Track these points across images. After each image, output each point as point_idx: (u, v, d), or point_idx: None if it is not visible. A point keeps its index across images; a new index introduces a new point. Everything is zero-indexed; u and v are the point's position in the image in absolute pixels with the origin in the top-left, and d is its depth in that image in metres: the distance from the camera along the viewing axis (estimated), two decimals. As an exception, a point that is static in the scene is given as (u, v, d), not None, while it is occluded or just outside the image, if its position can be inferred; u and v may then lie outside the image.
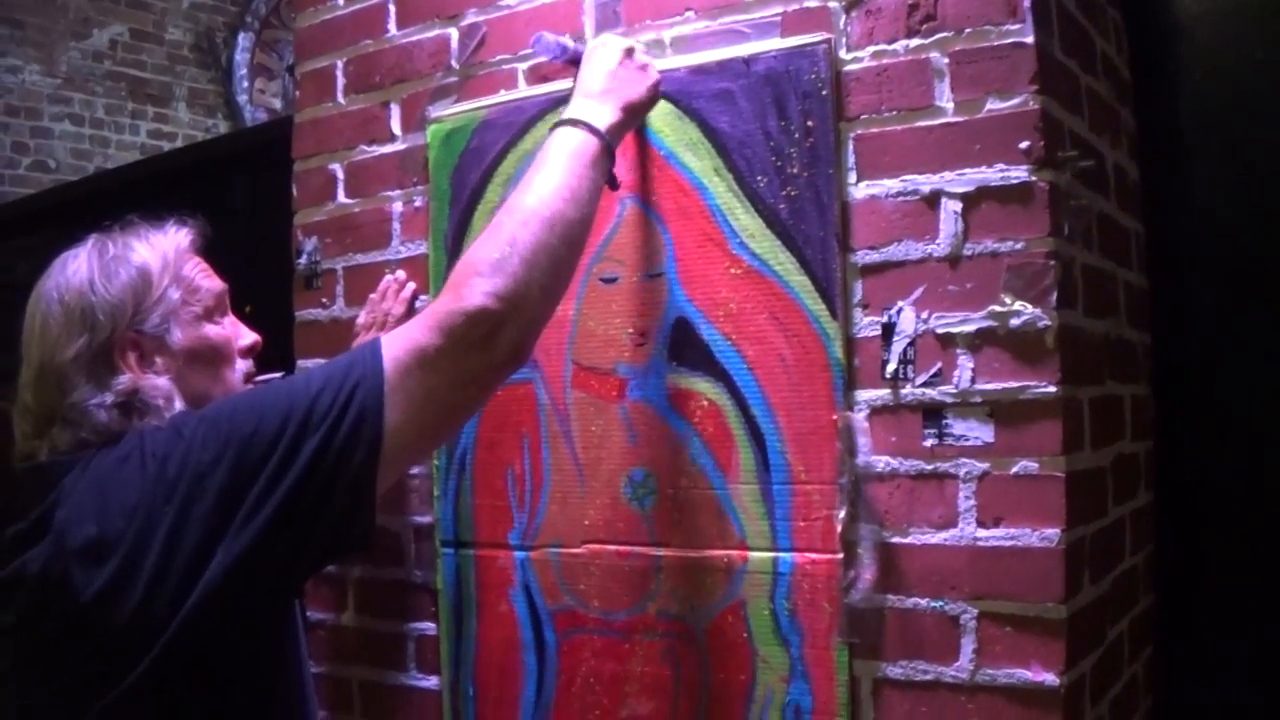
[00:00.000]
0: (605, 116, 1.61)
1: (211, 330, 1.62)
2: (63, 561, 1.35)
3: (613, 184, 1.67)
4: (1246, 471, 2.04)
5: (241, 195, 3.41)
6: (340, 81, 2.27)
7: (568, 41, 1.81)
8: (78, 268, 1.55)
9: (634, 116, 1.70)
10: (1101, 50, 1.89)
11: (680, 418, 1.78)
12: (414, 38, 2.15)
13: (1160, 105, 2.11)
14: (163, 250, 1.60)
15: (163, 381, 1.53)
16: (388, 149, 2.18)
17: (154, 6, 6.76)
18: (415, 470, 2.08)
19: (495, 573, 1.96)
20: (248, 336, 1.70)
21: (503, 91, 2.02)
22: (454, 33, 2.10)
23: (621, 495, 1.83)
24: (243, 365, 1.68)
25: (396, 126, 2.17)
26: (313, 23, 2.32)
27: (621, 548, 1.82)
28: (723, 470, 1.73)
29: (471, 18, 2.08)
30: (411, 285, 2.10)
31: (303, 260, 2.29)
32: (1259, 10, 2.07)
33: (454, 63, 2.09)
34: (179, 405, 1.53)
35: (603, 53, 1.70)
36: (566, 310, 1.89)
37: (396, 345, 1.40)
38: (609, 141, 1.60)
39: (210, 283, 1.65)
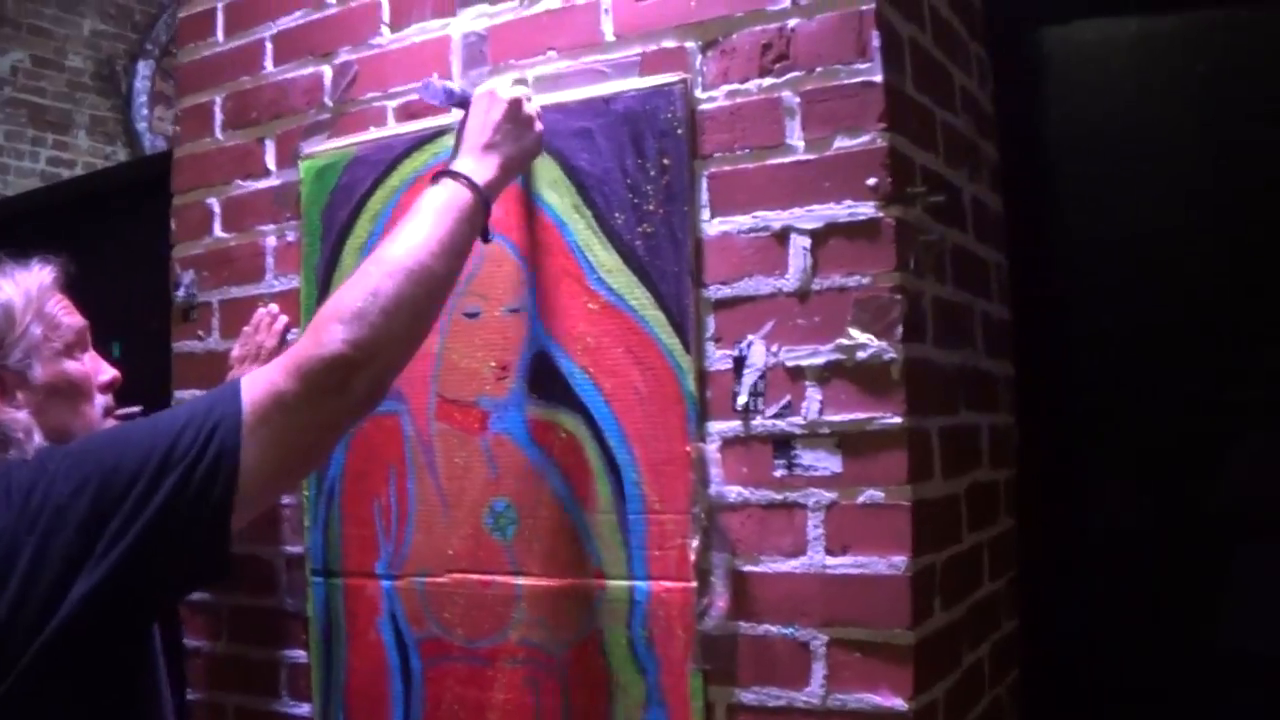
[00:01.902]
0: (485, 172, 1.64)
1: (71, 366, 1.64)
2: None
3: (485, 237, 1.67)
4: (1109, 497, 2.10)
5: (140, 224, 3.39)
6: (218, 117, 2.27)
7: (454, 86, 1.81)
8: None
9: (513, 173, 1.72)
10: (961, 85, 1.94)
11: (539, 449, 1.80)
12: (289, 75, 2.17)
13: (1024, 138, 2.17)
14: (26, 287, 1.61)
15: (22, 415, 1.55)
16: (263, 184, 2.19)
17: (55, 34, 6.69)
18: (287, 500, 2.08)
19: (363, 601, 1.97)
20: (107, 373, 1.72)
21: (372, 129, 2.04)
22: (327, 70, 2.11)
23: (483, 525, 1.84)
24: (101, 400, 1.69)
25: (271, 162, 2.18)
26: (193, 58, 2.33)
27: (484, 577, 1.84)
28: (580, 501, 1.75)
29: (344, 56, 2.09)
30: (284, 319, 2.10)
31: (180, 292, 2.29)
32: (1124, 42, 2.14)
33: (327, 100, 2.11)
34: (38, 439, 1.54)
35: (489, 103, 1.71)
36: (431, 344, 1.90)
37: (256, 388, 1.42)
38: (486, 197, 1.62)
39: (71, 319, 1.66)
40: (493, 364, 1.85)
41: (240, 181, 2.22)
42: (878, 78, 1.59)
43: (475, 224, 1.60)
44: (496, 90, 1.73)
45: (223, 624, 2.19)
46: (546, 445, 1.79)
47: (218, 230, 2.25)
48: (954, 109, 1.89)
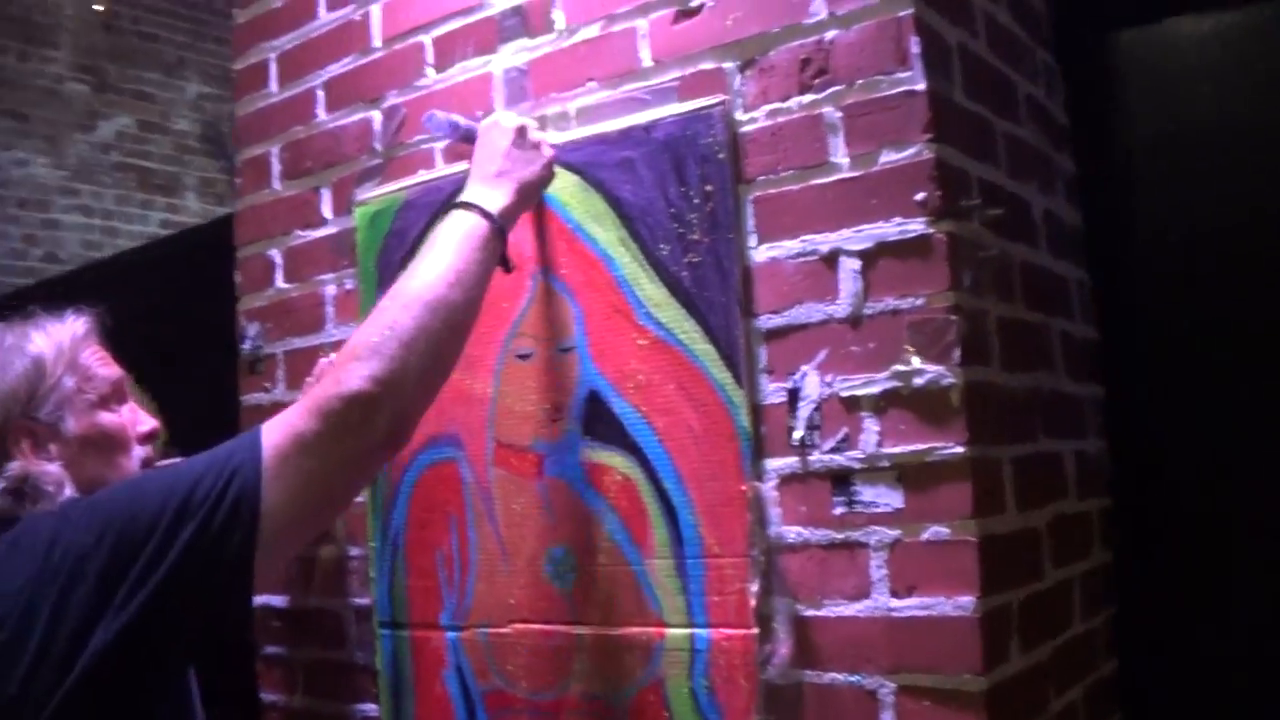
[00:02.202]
0: (498, 200, 1.61)
1: (106, 418, 1.62)
2: None
3: (505, 266, 1.63)
4: (1215, 526, 1.95)
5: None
6: (276, 168, 2.26)
7: (459, 120, 1.78)
8: None
9: (528, 197, 1.69)
10: (1026, 94, 1.84)
11: (595, 493, 1.73)
12: (341, 122, 2.14)
13: (1102, 147, 2.05)
14: (58, 340, 1.61)
15: (54, 468, 1.54)
16: (320, 233, 2.16)
17: (159, 98, 6.85)
18: (355, 552, 2.05)
19: (429, 654, 1.92)
20: (146, 423, 1.70)
21: (421, 172, 2.00)
22: (376, 115, 2.09)
23: (543, 574, 1.78)
24: (140, 452, 1.67)
25: (328, 210, 2.15)
26: (249, 111, 2.33)
27: (545, 626, 1.77)
28: (638, 545, 1.68)
29: (392, 99, 2.06)
30: (344, 370, 2.07)
31: (246, 345, 2.28)
32: (1203, 39, 2.01)
33: (377, 145, 2.08)
34: (69, 491, 1.53)
35: (495, 133, 1.69)
36: (486, 388, 1.86)
37: (276, 431, 1.40)
38: (501, 224, 1.59)
39: (106, 370, 1.66)
40: (546, 406, 1.79)
41: (299, 231, 2.20)
42: (920, 86, 1.50)
43: (492, 252, 1.57)
44: (500, 120, 1.71)
45: (297, 677, 2.16)
46: (602, 489, 1.72)
47: (280, 281, 2.23)
48: (1017, 118, 1.79)
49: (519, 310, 1.83)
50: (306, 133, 2.20)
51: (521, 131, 1.69)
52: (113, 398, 1.65)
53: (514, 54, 1.90)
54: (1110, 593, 1.90)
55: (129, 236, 6.43)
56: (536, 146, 1.71)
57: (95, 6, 6.11)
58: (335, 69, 2.16)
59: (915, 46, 1.51)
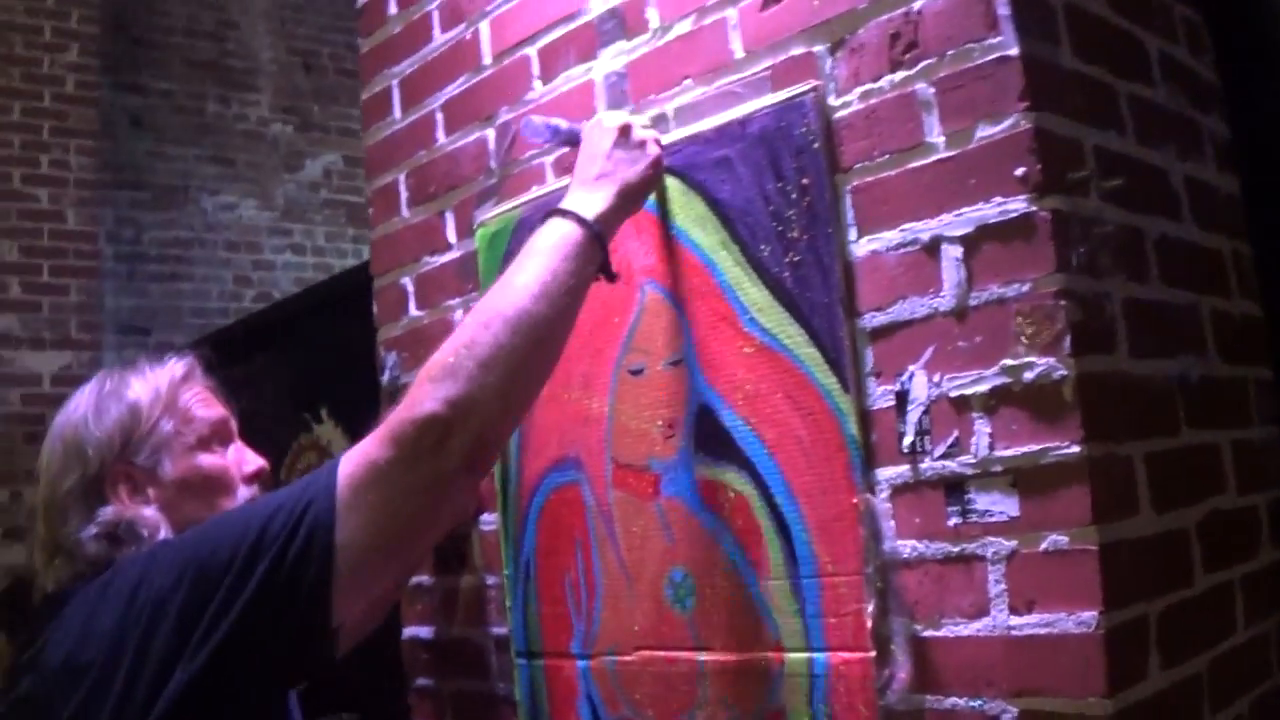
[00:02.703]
0: (595, 205, 1.53)
1: (205, 460, 1.65)
2: (46, 684, 1.41)
3: (608, 275, 1.56)
4: None
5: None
6: (404, 195, 2.26)
7: (559, 122, 1.72)
8: (77, 405, 1.64)
9: (631, 201, 1.60)
10: (1161, 52, 1.67)
11: (710, 512, 1.64)
12: (459, 143, 2.12)
13: (1259, 109, 1.85)
14: (155, 384, 1.65)
15: (150, 512, 1.57)
16: (446, 257, 2.14)
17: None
18: (491, 580, 2.01)
19: (562, 683, 1.86)
20: (252, 464, 1.72)
21: (534, 188, 1.96)
22: (490, 134, 2.05)
23: (664, 598, 1.70)
24: (246, 492, 1.68)
25: (452, 235, 2.13)
26: (376, 139, 2.33)
27: (669, 653, 1.69)
28: (754, 566, 1.58)
29: (503, 116, 2.03)
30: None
31: (386, 376, 2.27)
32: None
33: (493, 164, 2.05)
34: (165, 533, 1.56)
35: (597, 134, 1.62)
36: (603, 406, 1.80)
37: (351, 460, 1.39)
38: (598, 231, 1.51)
39: (207, 412, 1.68)
40: (660, 423, 1.72)
41: (427, 258, 2.18)
42: (1013, 50, 1.37)
43: (589, 260, 1.50)
44: (603, 120, 1.63)
45: (445, 709, 2.13)
46: (717, 507, 1.64)
47: (413, 309, 2.22)
48: (1148, 80, 1.62)
49: (629, 323, 1.76)
50: (429, 157, 2.19)
51: (625, 130, 1.61)
52: (214, 439, 1.67)
53: (613, 58, 1.83)
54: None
55: (343, 271, 6.63)
56: (642, 145, 1.62)
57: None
58: (451, 90, 2.14)
59: (1004, 7, 1.38)
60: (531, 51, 1.98)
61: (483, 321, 1.41)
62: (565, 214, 1.51)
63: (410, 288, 2.23)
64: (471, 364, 1.37)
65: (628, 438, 1.76)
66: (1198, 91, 1.75)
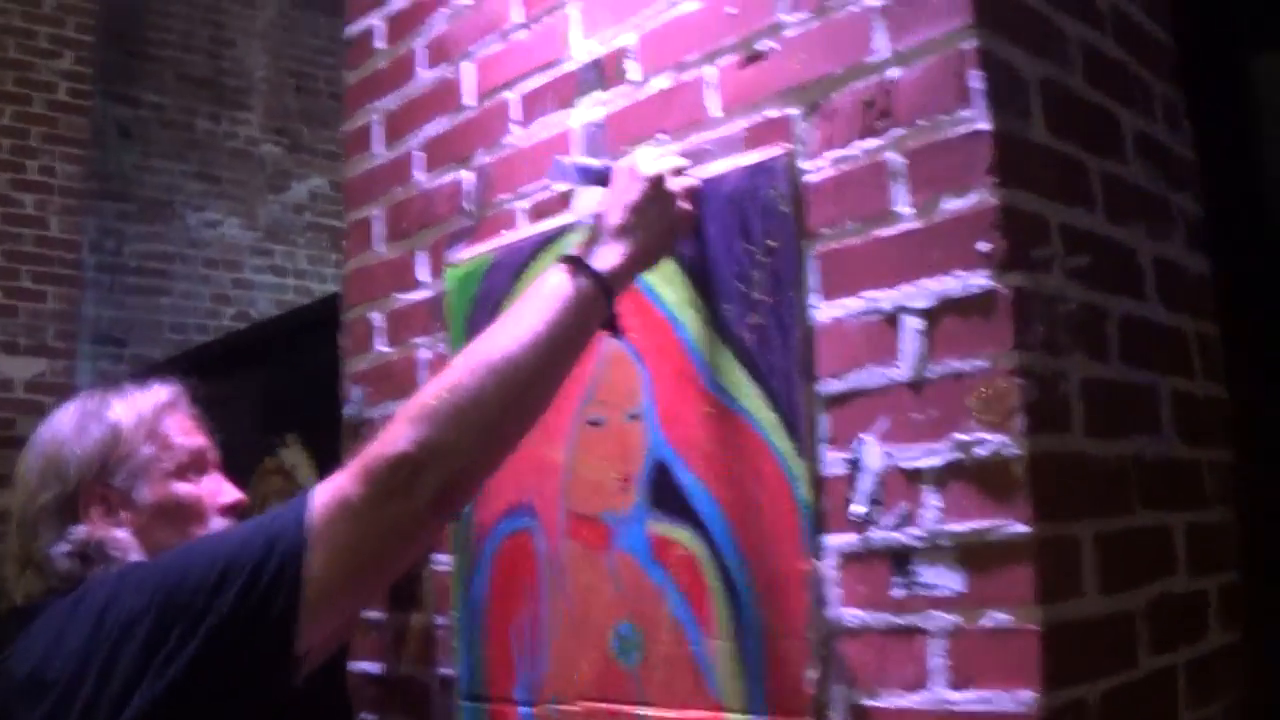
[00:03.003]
0: (610, 258, 1.49)
1: (181, 488, 1.65)
2: (8, 696, 1.43)
3: (614, 331, 1.54)
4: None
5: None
6: (378, 230, 2.25)
7: (589, 162, 1.67)
8: (60, 421, 1.64)
9: (650, 257, 1.55)
10: (1135, 129, 1.68)
11: (660, 568, 1.64)
12: (436, 183, 2.12)
13: (1237, 187, 1.86)
14: (139, 408, 1.66)
15: (122, 534, 1.58)
16: (417, 296, 2.14)
17: (351, 158, 7.05)
18: (440, 620, 2.00)
19: (506, 731, 1.84)
20: (229, 495, 1.73)
21: (503, 232, 1.96)
22: (466, 175, 2.05)
23: (611, 650, 1.69)
24: (220, 523, 1.68)
25: (424, 273, 2.13)
26: (356, 172, 2.33)
27: (612, 705, 1.68)
28: (701, 625, 1.58)
29: (480, 159, 2.03)
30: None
31: (350, 409, 2.26)
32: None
33: (467, 205, 2.05)
34: (136, 556, 1.57)
35: (627, 180, 1.55)
36: (559, 455, 1.79)
37: (324, 493, 1.39)
38: (608, 285, 1.47)
39: (187, 440, 1.69)
40: (615, 475, 1.71)
41: (398, 295, 2.18)
42: (983, 125, 1.38)
43: (590, 315, 1.47)
44: (638, 164, 1.56)
45: (389, 751, 2.11)
46: (667, 564, 1.63)
47: (379, 345, 2.22)
48: (1122, 156, 1.63)
49: (591, 375, 1.76)
50: (406, 194, 2.19)
51: (656, 181, 1.54)
52: (192, 467, 1.68)
53: (591, 107, 1.84)
54: (1233, 677, 1.69)
55: (324, 295, 6.62)
56: (672, 201, 1.55)
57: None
58: (431, 129, 2.14)
59: (977, 81, 1.39)
60: (512, 96, 1.98)
61: (470, 366, 1.40)
62: (574, 262, 1.47)
63: (379, 323, 2.22)
64: (450, 408, 1.36)
65: (583, 488, 1.76)
66: (1172, 169, 1.76)
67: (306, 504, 1.39)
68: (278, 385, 3.57)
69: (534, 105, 1.94)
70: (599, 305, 1.47)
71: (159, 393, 1.69)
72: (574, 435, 1.78)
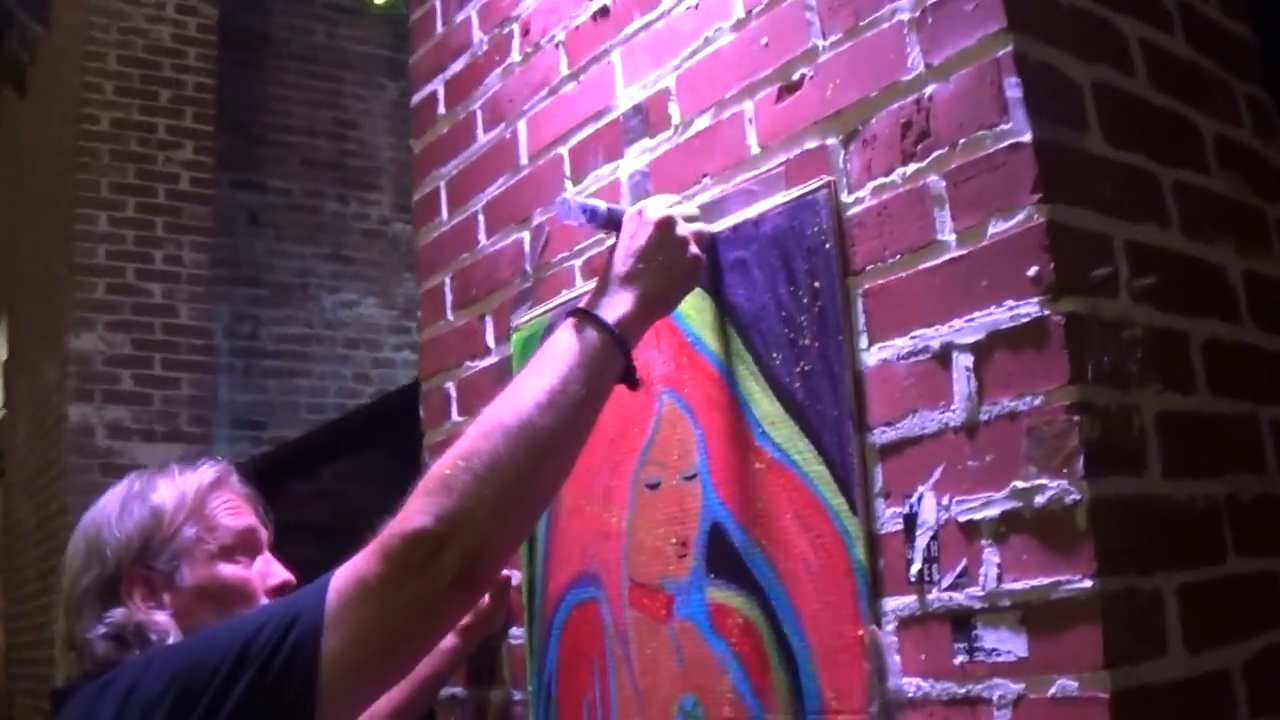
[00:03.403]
0: (619, 308, 1.40)
1: (226, 570, 1.59)
2: None
3: (630, 383, 1.44)
4: None
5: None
6: (449, 298, 2.21)
7: (597, 204, 1.57)
8: (106, 502, 1.60)
9: (660, 304, 1.47)
10: (1219, 135, 1.53)
11: (719, 638, 1.53)
12: (498, 245, 2.07)
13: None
14: (183, 490, 1.60)
15: (162, 617, 1.52)
16: (485, 362, 2.08)
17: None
18: (518, 696, 1.92)
19: (582, 811, 1.75)
20: (277, 576, 1.65)
21: (564, 291, 1.88)
22: (526, 236, 1.99)
23: (676, 727, 1.58)
24: None
25: (491, 339, 2.07)
26: (426, 241, 2.30)
27: (679, 788, 1.57)
28: (760, 697, 1.46)
29: (537, 218, 1.97)
30: (505, 503, 1.95)
31: (428, 484, 2.20)
32: None
33: (528, 267, 1.98)
34: (175, 640, 1.51)
35: (635, 225, 1.48)
36: (620, 521, 1.70)
37: (342, 574, 1.31)
38: (619, 336, 1.38)
39: (233, 521, 1.63)
40: (674, 540, 1.61)
41: (469, 362, 2.13)
42: (1025, 136, 1.25)
43: (605, 368, 1.37)
44: (646, 210, 1.48)
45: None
46: (726, 633, 1.52)
47: (455, 415, 2.16)
48: (1201, 166, 1.48)
49: (648, 435, 1.67)
50: (471, 260, 2.14)
51: (665, 226, 1.46)
52: (239, 548, 1.62)
53: (637, 156, 1.76)
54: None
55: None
56: (682, 245, 1.47)
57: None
58: (492, 191, 2.09)
59: (1014, 89, 1.27)
60: (564, 150, 1.92)
61: (484, 431, 1.31)
62: (586, 316, 1.39)
63: (453, 392, 2.17)
64: (468, 477, 1.27)
65: (643, 555, 1.66)
66: (1265, 178, 1.60)
67: (325, 586, 1.31)
68: (412, 455, 3.57)
69: (583, 158, 1.87)
70: (612, 357, 1.38)
71: (205, 473, 1.63)
72: (633, 500, 1.69)
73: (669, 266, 1.45)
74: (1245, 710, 1.28)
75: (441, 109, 2.26)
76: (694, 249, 1.48)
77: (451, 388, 2.17)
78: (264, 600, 1.61)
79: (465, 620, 1.90)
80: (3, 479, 6.72)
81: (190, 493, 1.60)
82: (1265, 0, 1.68)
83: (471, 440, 1.31)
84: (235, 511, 1.63)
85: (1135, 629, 1.18)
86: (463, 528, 1.26)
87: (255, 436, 5.76)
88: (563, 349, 1.37)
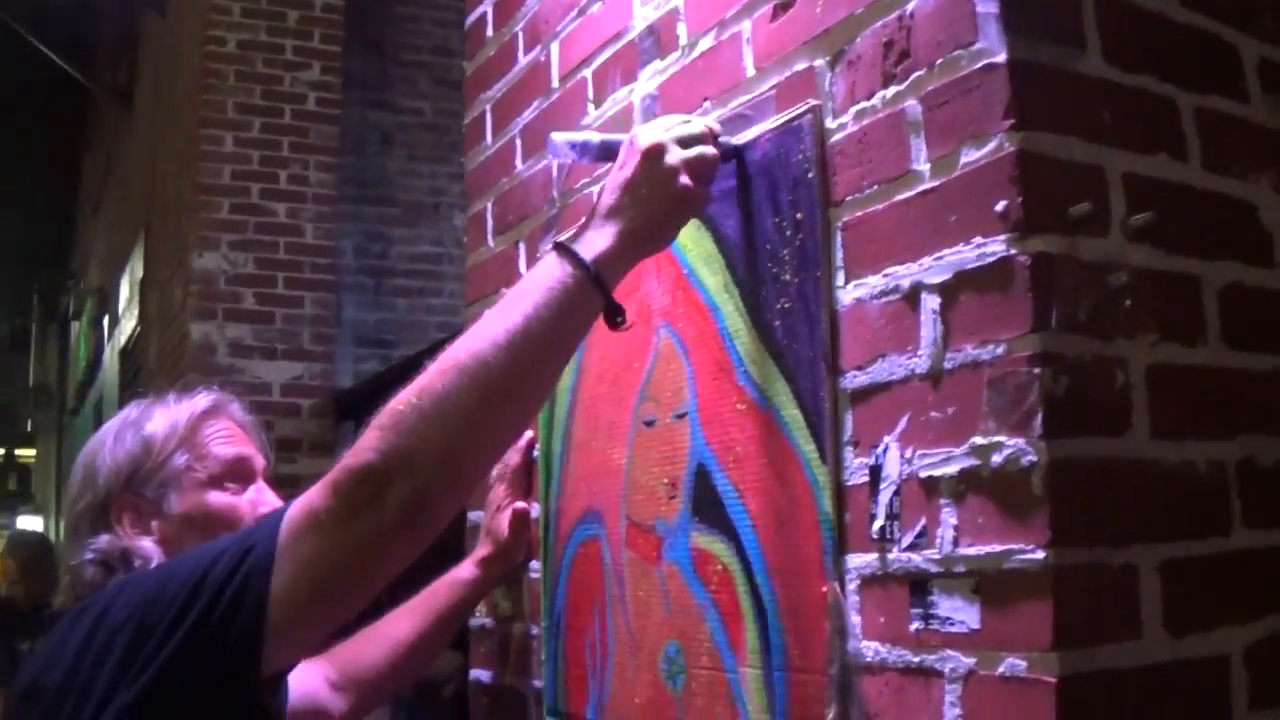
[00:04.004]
0: (598, 243, 1.32)
1: (215, 497, 1.61)
2: (10, 706, 1.44)
3: (612, 322, 1.34)
4: None
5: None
6: (489, 224, 2.16)
7: (588, 137, 1.49)
8: (105, 430, 1.65)
9: (644, 242, 1.36)
10: (1263, 59, 1.36)
11: (701, 585, 1.46)
12: (531, 170, 2.01)
13: None
14: (174, 418, 1.62)
15: (147, 544, 1.55)
16: (518, 289, 2.02)
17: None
18: (534, 630, 1.89)
19: (578, 750, 1.71)
20: (269, 505, 1.64)
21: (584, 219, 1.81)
22: (555, 161, 1.92)
23: (660, 673, 1.53)
24: None
25: (523, 266, 2.01)
26: (474, 165, 2.26)
27: (661, 738, 1.51)
28: (734, 650, 1.40)
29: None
30: (529, 434, 1.91)
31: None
32: None
33: (555, 193, 1.91)
34: None
35: (625, 154, 1.37)
36: (621, 458, 1.65)
37: (296, 506, 1.30)
38: (597, 274, 1.30)
39: (224, 449, 1.64)
40: (665, 481, 1.55)
41: (504, 289, 2.06)
42: (1000, 57, 1.13)
43: (580, 306, 1.30)
44: (638, 137, 1.37)
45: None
46: (707, 580, 1.46)
47: (494, 343, 2.11)
48: (1239, 93, 1.32)
49: (646, 370, 1.60)
50: (509, 185, 2.08)
51: (651, 154, 1.34)
52: (228, 476, 1.63)
53: (649, 79, 1.68)
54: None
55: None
56: (673, 174, 1.34)
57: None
58: (528, 115, 2.03)
59: (988, 4, 1.14)
60: (588, 73, 1.84)
61: (441, 369, 1.26)
62: (564, 251, 1.32)
63: (493, 318, 2.12)
64: (416, 415, 1.23)
65: (640, 495, 1.60)
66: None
67: (279, 520, 1.30)
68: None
69: (604, 82, 1.79)
70: (588, 294, 1.30)
71: (199, 401, 1.64)
72: (631, 437, 1.62)
73: (653, 199, 1.34)
74: (1244, 700, 1.16)
75: (490, 30, 2.20)
76: (684, 179, 1.35)
77: (491, 315, 2.12)
78: None
79: (486, 552, 1.89)
80: (139, 397, 6.97)
81: (182, 421, 1.62)
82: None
83: (428, 376, 1.27)
84: (228, 440, 1.64)
85: (1096, 607, 1.07)
86: (407, 466, 1.23)
87: (384, 355, 5.82)
88: (534, 285, 1.31)
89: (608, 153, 1.44)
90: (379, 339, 5.95)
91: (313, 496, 1.28)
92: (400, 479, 1.22)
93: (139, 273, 7.44)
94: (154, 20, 7.35)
